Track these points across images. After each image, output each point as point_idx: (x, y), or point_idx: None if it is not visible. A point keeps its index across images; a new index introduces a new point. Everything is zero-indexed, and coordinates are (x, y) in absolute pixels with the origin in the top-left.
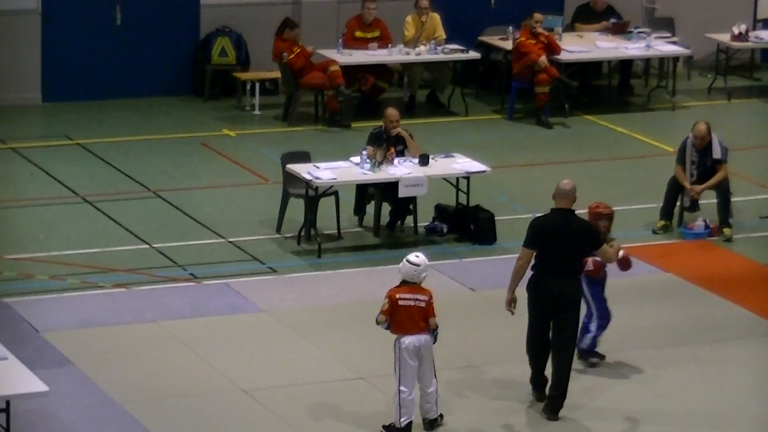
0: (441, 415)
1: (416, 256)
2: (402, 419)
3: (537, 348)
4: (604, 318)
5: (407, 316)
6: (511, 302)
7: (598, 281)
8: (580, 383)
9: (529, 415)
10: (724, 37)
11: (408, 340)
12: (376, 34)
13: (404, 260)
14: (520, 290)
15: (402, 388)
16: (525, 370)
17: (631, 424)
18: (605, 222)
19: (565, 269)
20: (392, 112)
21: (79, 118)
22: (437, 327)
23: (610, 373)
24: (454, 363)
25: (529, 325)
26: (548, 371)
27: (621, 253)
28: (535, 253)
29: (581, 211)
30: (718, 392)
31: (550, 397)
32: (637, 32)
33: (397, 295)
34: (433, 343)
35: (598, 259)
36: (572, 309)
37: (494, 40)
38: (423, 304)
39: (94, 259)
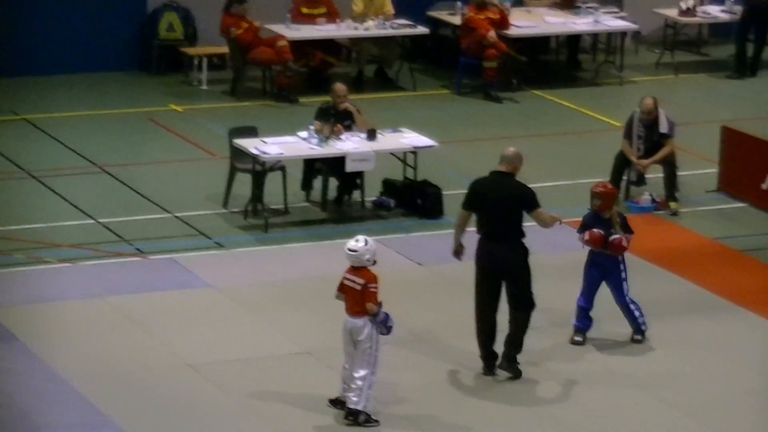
0: (365, 415)
1: (355, 241)
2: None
3: (480, 312)
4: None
5: (348, 296)
6: (457, 252)
7: (597, 261)
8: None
9: (477, 383)
10: (672, 12)
11: (345, 320)
12: (323, 11)
13: (345, 247)
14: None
15: (345, 364)
16: (471, 343)
17: (580, 390)
18: (596, 201)
19: (500, 232)
20: (340, 87)
21: (26, 94)
22: (375, 314)
23: (559, 347)
24: (403, 337)
25: (475, 288)
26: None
27: (614, 237)
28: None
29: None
30: (659, 364)
31: (505, 346)
32: (585, 7)
33: (345, 275)
34: (385, 333)
35: (595, 230)
36: (511, 271)
37: (443, 16)
38: (358, 288)
39: (41, 234)
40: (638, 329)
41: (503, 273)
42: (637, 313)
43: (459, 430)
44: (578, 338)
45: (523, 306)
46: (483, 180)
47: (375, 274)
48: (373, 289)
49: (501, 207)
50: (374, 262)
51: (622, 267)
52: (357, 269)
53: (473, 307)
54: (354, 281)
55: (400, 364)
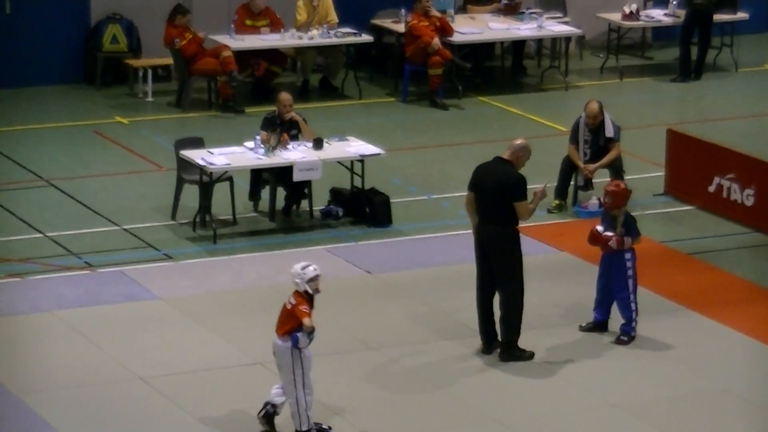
0: (318, 429)
1: (298, 266)
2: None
3: (477, 289)
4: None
5: (281, 315)
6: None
7: (604, 258)
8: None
9: (429, 390)
10: (616, 17)
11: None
12: (266, 23)
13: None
14: None
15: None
16: (423, 352)
17: (527, 390)
18: (607, 199)
19: (490, 215)
20: (285, 96)
21: None
22: (309, 331)
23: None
24: (353, 346)
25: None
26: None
27: (606, 234)
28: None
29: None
30: (608, 369)
31: (501, 333)
32: (528, 13)
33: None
34: (303, 343)
35: (595, 228)
36: (495, 252)
37: (387, 23)
38: (289, 306)
39: None
40: (626, 331)
41: (490, 253)
42: (633, 315)
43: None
44: (584, 324)
45: (505, 286)
46: (484, 164)
47: (305, 299)
48: (303, 309)
49: (491, 192)
50: (315, 290)
51: (629, 264)
52: (297, 292)
53: (425, 314)
54: (290, 301)
55: (351, 374)
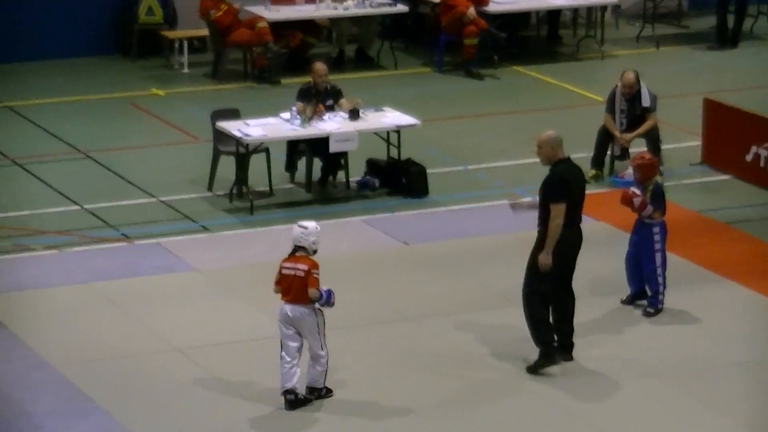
0: (327, 389)
1: (308, 221)
2: (284, 384)
3: (558, 297)
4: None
5: (287, 285)
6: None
7: (635, 227)
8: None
9: (463, 361)
10: None
11: (282, 308)
12: None
13: (296, 224)
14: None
15: (282, 353)
16: (460, 322)
17: (562, 370)
18: (636, 173)
19: (581, 216)
20: (320, 66)
21: (7, 80)
22: (319, 298)
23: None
24: (388, 317)
25: (553, 275)
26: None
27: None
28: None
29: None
30: (646, 336)
31: (572, 344)
32: None
33: (282, 264)
34: (327, 304)
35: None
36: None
37: None
38: (302, 274)
39: (25, 221)
40: (652, 303)
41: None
42: (660, 289)
43: (442, 407)
44: (624, 298)
45: (524, 287)
46: (567, 168)
47: (315, 261)
48: (315, 275)
49: (582, 193)
50: (315, 252)
51: (657, 238)
52: (298, 258)
53: (462, 285)
54: (297, 269)
55: (387, 345)
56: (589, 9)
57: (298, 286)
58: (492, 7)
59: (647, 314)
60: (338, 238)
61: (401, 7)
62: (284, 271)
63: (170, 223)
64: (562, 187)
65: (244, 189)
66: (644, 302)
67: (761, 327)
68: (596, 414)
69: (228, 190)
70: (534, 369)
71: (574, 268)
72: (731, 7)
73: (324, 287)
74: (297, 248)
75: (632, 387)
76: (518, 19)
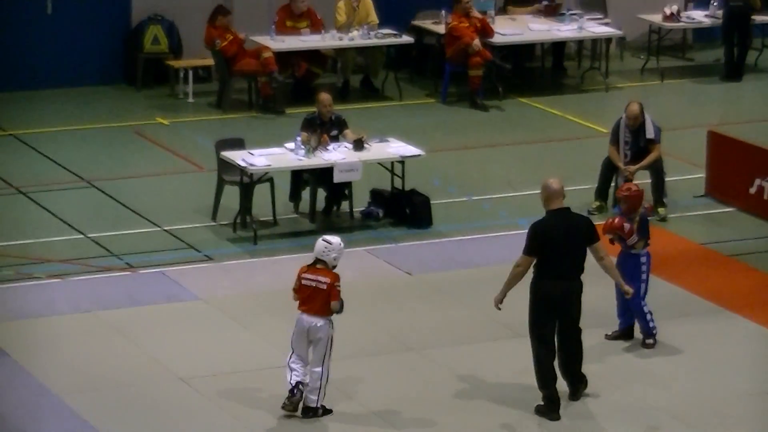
0: (323, 407)
1: (332, 236)
2: (289, 381)
3: (548, 343)
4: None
5: (306, 295)
6: (500, 302)
7: (620, 260)
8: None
9: (470, 391)
10: (656, 18)
11: (299, 318)
12: (306, 24)
13: (320, 238)
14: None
15: (292, 362)
16: (464, 353)
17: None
18: (623, 204)
19: (570, 270)
20: (325, 96)
21: (12, 108)
22: (338, 311)
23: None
24: (393, 347)
25: (533, 323)
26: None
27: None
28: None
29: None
30: (650, 368)
31: (577, 389)
32: (569, 14)
33: (302, 274)
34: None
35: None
36: (575, 303)
37: (427, 24)
38: (324, 287)
39: (29, 249)
40: (649, 333)
41: (566, 306)
42: (648, 317)
43: None
44: (609, 333)
45: (578, 328)
46: (546, 222)
47: (337, 274)
48: (338, 288)
49: (569, 245)
50: (334, 267)
51: (644, 268)
52: (318, 269)
53: (466, 315)
54: (318, 281)
55: (390, 375)
56: (594, 41)
57: (320, 298)
58: (497, 39)
59: (647, 346)
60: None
61: (406, 38)
62: (304, 282)
63: (174, 252)
64: (530, 242)
65: (248, 218)
66: (638, 336)
67: (766, 358)
68: None
69: (232, 219)
70: (537, 412)
71: (554, 321)
72: (735, 39)
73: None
74: (318, 260)
75: (636, 417)
76: (523, 51)
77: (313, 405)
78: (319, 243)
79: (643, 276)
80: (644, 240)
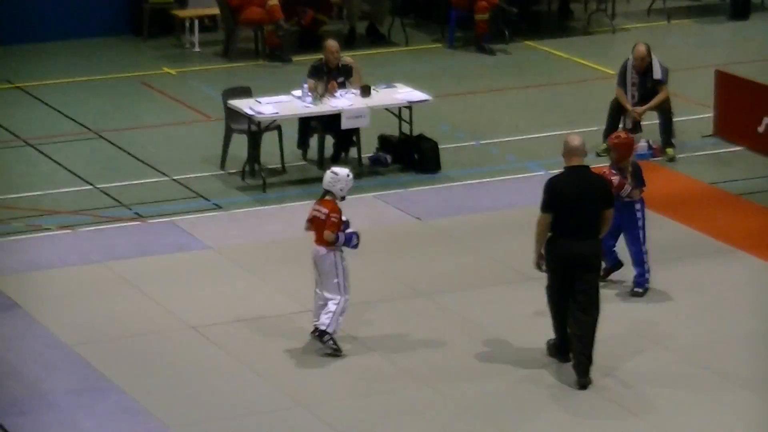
0: (329, 336)
1: (341, 168)
2: (314, 319)
3: (558, 308)
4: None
5: (315, 226)
6: (539, 262)
7: (617, 206)
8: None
9: (478, 336)
10: None
11: (312, 248)
12: None
13: (329, 169)
14: None
15: (316, 290)
16: (474, 298)
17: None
18: (613, 153)
19: (585, 229)
20: (332, 44)
21: (19, 62)
22: (334, 241)
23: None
24: (403, 293)
25: (550, 285)
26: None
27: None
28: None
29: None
30: (659, 307)
31: (579, 362)
32: None
33: (314, 206)
34: (355, 247)
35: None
36: (592, 270)
37: None
38: (323, 217)
39: (38, 201)
40: (641, 283)
41: (582, 269)
42: (646, 266)
43: (454, 381)
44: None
45: (596, 307)
46: (561, 178)
47: (338, 206)
48: (334, 219)
49: (585, 204)
50: (343, 198)
51: (639, 215)
52: (324, 201)
53: (474, 260)
54: (320, 211)
55: (401, 320)
56: None
57: (321, 228)
58: None
59: (636, 294)
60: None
61: None
62: (313, 213)
63: (183, 201)
64: (546, 197)
65: (256, 167)
66: (628, 282)
67: None
68: (618, 391)
69: (241, 168)
70: (548, 349)
71: (572, 284)
72: None
73: (351, 229)
74: (326, 192)
75: (650, 360)
76: None
77: (323, 328)
78: (327, 174)
79: (639, 223)
80: (639, 188)
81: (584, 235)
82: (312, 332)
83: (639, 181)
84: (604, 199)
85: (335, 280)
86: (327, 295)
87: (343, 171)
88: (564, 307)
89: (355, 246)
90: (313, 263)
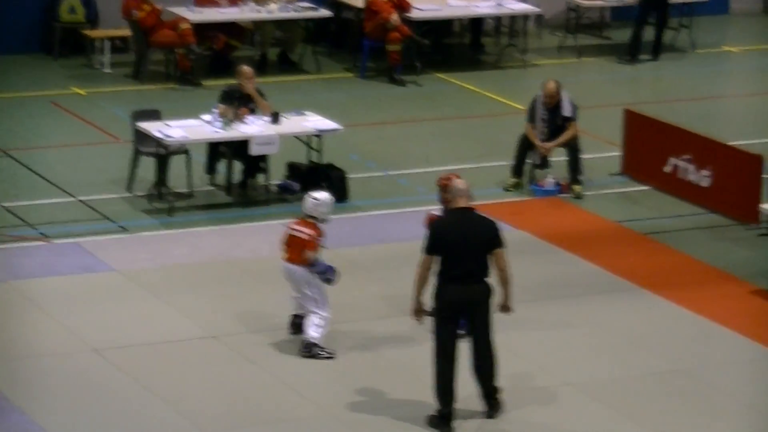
0: (318, 348)
1: (319, 192)
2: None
3: (450, 356)
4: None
5: (291, 244)
6: (419, 312)
7: None
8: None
9: (377, 368)
10: None
11: (282, 266)
12: None
13: (307, 195)
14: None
15: (293, 293)
16: (377, 327)
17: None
18: (444, 193)
19: (473, 273)
20: (247, 69)
21: None
22: (313, 262)
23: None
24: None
25: (438, 335)
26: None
27: None
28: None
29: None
30: (562, 346)
31: (490, 395)
32: None
33: (291, 226)
34: (328, 283)
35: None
36: (482, 306)
37: None
38: (304, 237)
39: None
40: None
41: (471, 310)
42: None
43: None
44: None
45: (489, 332)
46: (445, 220)
47: (320, 229)
48: (317, 242)
49: (470, 246)
50: (324, 221)
51: None
52: (306, 222)
53: (385, 291)
54: (302, 231)
55: (289, 348)
56: (512, 18)
57: (297, 247)
58: (416, 14)
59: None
60: (259, 242)
61: (325, 12)
62: (292, 232)
63: (89, 223)
64: (430, 240)
65: (163, 190)
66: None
67: (678, 336)
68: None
69: (147, 191)
70: (429, 423)
71: (457, 326)
72: (652, 19)
73: (327, 262)
74: (308, 216)
75: (555, 396)
76: (442, 27)
77: (311, 341)
78: (308, 200)
79: None
80: None
81: (473, 279)
82: (300, 349)
83: None
84: (490, 239)
85: (313, 296)
86: (312, 312)
87: (323, 195)
88: (452, 356)
89: (329, 280)
90: (288, 279)
